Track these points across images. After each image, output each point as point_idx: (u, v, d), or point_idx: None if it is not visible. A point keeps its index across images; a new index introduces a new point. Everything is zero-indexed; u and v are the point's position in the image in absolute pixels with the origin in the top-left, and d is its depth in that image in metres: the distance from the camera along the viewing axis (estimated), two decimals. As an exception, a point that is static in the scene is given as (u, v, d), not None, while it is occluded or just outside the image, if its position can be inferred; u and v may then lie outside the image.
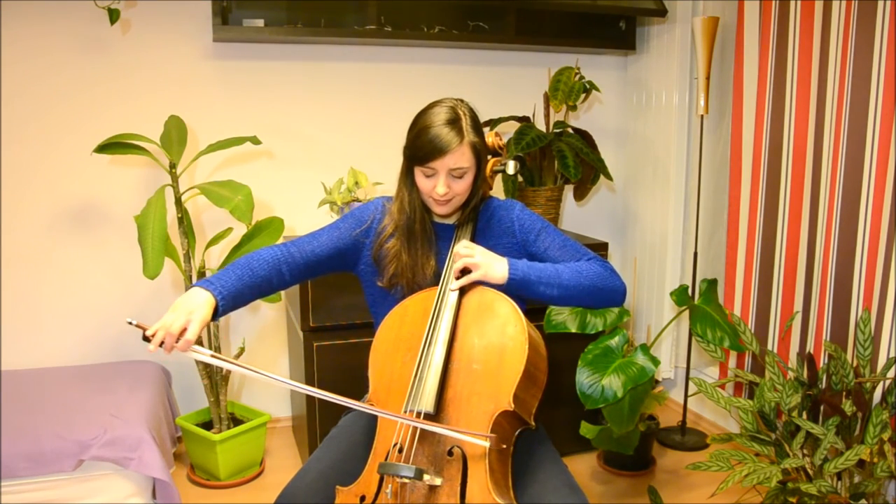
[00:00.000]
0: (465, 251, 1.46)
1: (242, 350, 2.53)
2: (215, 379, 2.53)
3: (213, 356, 1.30)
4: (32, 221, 2.66)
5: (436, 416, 1.34)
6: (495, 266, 1.47)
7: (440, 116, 1.47)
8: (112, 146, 2.27)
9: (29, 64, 2.57)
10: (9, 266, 2.66)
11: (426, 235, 1.56)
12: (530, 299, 1.53)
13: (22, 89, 2.58)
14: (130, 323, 1.30)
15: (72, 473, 2.09)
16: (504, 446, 1.37)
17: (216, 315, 1.37)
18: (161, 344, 1.29)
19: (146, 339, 1.29)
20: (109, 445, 2.09)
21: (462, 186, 1.50)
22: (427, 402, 1.34)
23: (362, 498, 1.33)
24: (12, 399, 2.32)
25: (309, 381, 2.46)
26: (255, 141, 2.39)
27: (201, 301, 1.34)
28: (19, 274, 2.67)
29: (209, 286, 1.37)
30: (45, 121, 2.62)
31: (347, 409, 1.52)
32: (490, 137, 1.64)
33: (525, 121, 2.82)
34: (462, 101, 1.53)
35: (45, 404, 2.29)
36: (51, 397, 2.35)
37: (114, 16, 2.44)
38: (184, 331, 1.29)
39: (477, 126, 1.51)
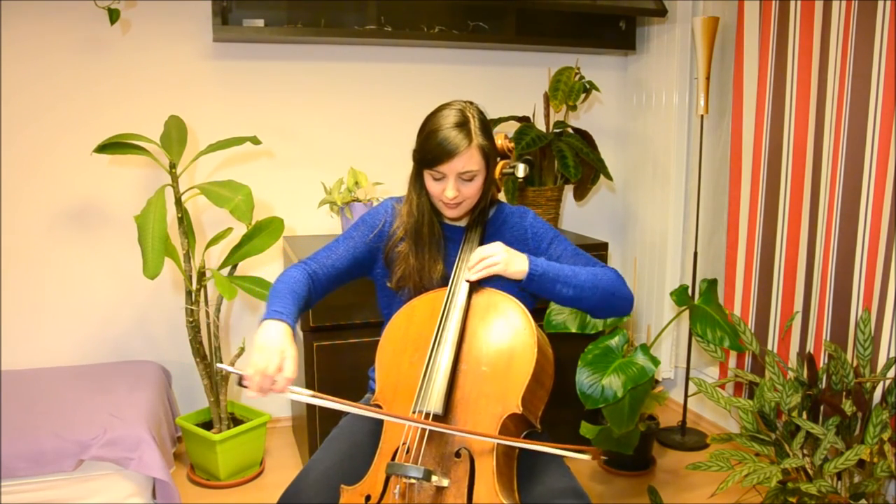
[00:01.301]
0: (487, 249, 1.45)
1: (242, 350, 2.53)
2: (215, 379, 2.53)
3: (313, 395, 1.25)
4: (32, 221, 2.66)
5: (444, 417, 1.35)
6: (516, 261, 1.45)
7: (448, 119, 1.46)
8: (112, 146, 2.27)
9: (29, 64, 2.56)
10: (9, 266, 2.66)
11: (434, 239, 1.56)
12: (544, 298, 1.52)
13: (22, 89, 2.57)
14: (222, 369, 1.26)
15: (72, 473, 2.09)
16: (602, 457, 1.37)
17: None
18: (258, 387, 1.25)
19: (242, 385, 1.25)
20: (109, 445, 2.09)
21: (472, 189, 1.49)
22: (436, 404, 1.34)
23: (367, 497, 1.33)
24: (12, 399, 2.32)
25: (309, 382, 2.46)
26: (255, 141, 2.39)
27: (285, 335, 1.30)
28: (19, 274, 2.67)
29: (281, 317, 1.33)
30: (45, 121, 2.62)
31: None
32: (499, 140, 1.64)
33: (525, 121, 2.82)
34: (471, 103, 1.52)
35: (45, 404, 2.29)
36: (51, 397, 2.35)
37: (114, 16, 2.43)
38: (279, 370, 1.25)
39: (486, 128, 1.50)
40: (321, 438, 2.12)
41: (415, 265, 1.54)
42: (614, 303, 1.54)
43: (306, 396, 1.26)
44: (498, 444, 1.31)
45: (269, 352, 1.26)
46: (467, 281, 1.46)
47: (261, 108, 2.83)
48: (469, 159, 1.45)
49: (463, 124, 1.45)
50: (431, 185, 1.50)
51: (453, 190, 1.47)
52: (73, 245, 2.71)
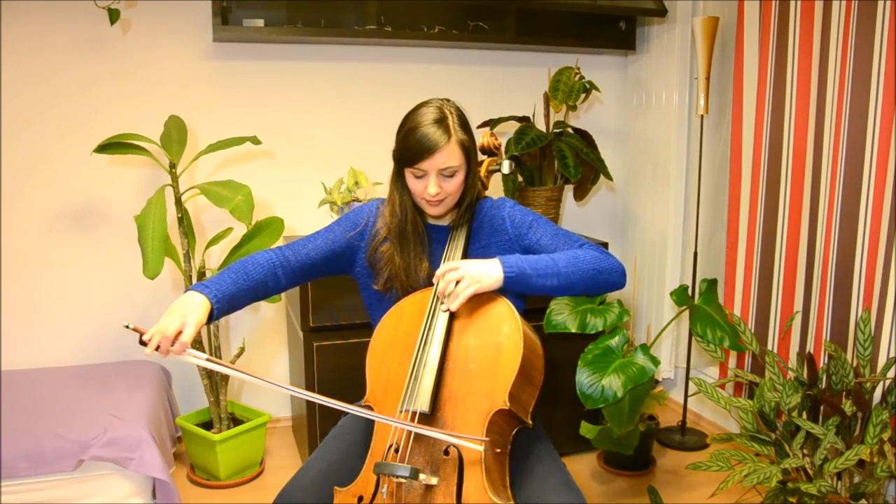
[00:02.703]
0: (451, 273, 1.41)
1: (242, 350, 2.53)
2: (215, 379, 2.53)
3: (208, 360, 1.31)
4: (32, 221, 2.66)
5: (431, 415, 1.35)
6: (486, 272, 1.42)
7: (427, 117, 1.46)
8: (112, 146, 2.27)
9: (29, 64, 2.57)
10: (9, 266, 2.66)
11: (419, 238, 1.56)
12: (532, 294, 1.51)
13: (22, 89, 2.58)
14: (127, 326, 1.31)
15: (72, 473, 2.09)
16: (498, 450, 1.36)
17: (211, 318, 1.37)
18: (157, 348, 1.29)
19: (143, 343, 1.30)
20: (109, 445, 2.09)
21: (453, 186, 1.49)
22: (423, 402, 1.34)
23: (360, 498, 1.33)
24: (12, 399, 2.32)
25: (309, 382, 2.46)
26: (255, 141, 2.39)
27: (196, 304, 1.34)
28: (19, 274, 2.67)
29: (204, 290, 1.37)
30: (46, 120, 2.62)
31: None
32: (485, 138, 1.64)
33: (525, 121, 2.82)
34: (448, 100, 1.53)
35: (45, 404, 2.29)
36: (51, 397, 2.35)
37: (114, 16, 2.44)
38: (179, 333, 1.29)
39: (465, 124, 1.50)
40: (321, 438, 2.12)
41: (400, 265, 1.54)
42: (603, 279, 1.52)
43: (203, 361, 1.30)
44: (486, 442, 1.30)
45: (174, 316, 1.31)
46: (449, 311, 1.42)
47: (261, 108, 2.83)
48: (449, 155, 1.45)
49: (441, 120, 1.46)
50: (413, 184, 1.50)
51: (435, 186, 1.47)
52: (73, 245, 2.71)
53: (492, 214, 1.61)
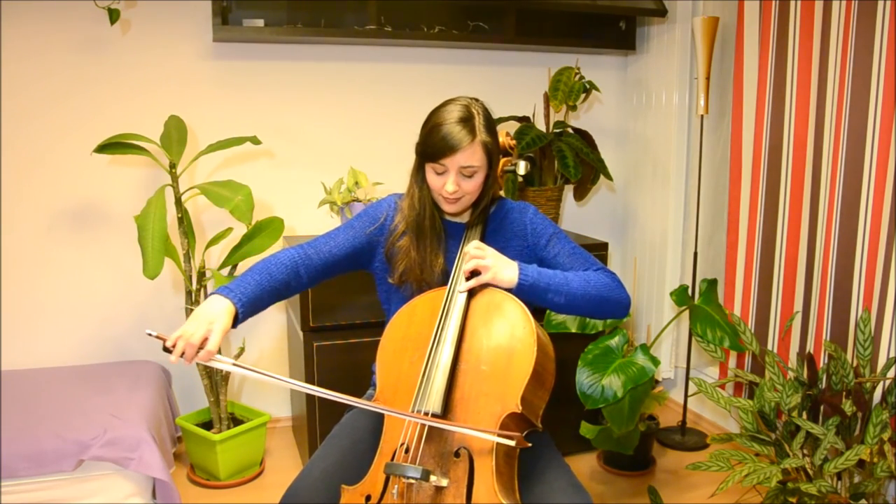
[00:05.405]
0: (477, 252, 1.45)
1: (242, 350, 2.53)
2: (215, 379, 2.53)
3: (234, 364, 1.28)
4: (32, 221, 2.66)
5: (443, 416, 1.34)
6: (505, 270, 1.45)
7: (453, 114, 1.46)
8: (112, 146, 2.27)
9: (29, 64, 2.56)
10: (9, 266, 2.66)
11: (436, 233, 1.56)
12: (536, 306, 1.52)
13: (22, 89, 2.57)
14: (150, 334, 1.27)
15: (72, 473, 2.09)
16: (529, 445, 1.36)
17: (236, 322, 1.35)
18: (182, 354, 1.27)
19: (167, 350, 1.27)
20: (109, 445, 2.09)
21: (472, 185, 1.50)
22: (435, 403, 1.34)
23: (368, 497, 1.33)
24: (12, 399, 2.32)
25: (309, 381, 2.46)
26: (255, 141, 2.39)
27: (221, 309, 1.32)
28: (19, 274, 2.67)
29: (228, 293, 1.35)
30: (45, 121, 2.61)
31: (349, 407, 1.52)
32: (501, 137, 1.64)
33: (525, 121, 2.82)
34: (476, 100, 1.52)
35: (45, 404, 2.29)
36: (51, 397, 2.35)
37: (114, 16, 2.44)
38: (205, 341, 1.27)
39: (490, 126, 1.50)
40: (321, 438, 2.12)
41: (416, 259, 1.54)
42: (608, 307, 1.54)
43: (229, 365, 1.29)
44: (497, 444, 1.31)
45: (199, 322, 1.29)
46: (460, 292, 1.45)
47: (261, 108, 2.83)
48: (471, 155, 1.46)
49: (467, 120, 1.46)
50: (432, 179, 1.51)
51: (453, 184, 1.47)
52: (73, 245, 2.71)
53: (513, 217, 1.61)
